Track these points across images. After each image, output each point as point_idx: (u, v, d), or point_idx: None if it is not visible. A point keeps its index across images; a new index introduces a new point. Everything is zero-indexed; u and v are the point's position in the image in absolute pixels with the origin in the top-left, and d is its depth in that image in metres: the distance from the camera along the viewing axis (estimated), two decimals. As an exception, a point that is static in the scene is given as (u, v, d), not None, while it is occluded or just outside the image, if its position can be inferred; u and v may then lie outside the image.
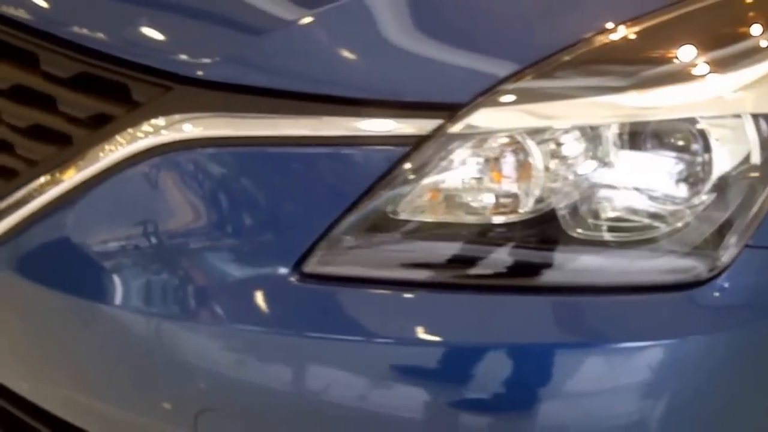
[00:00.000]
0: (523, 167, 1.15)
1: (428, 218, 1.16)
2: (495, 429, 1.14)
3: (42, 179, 1.24)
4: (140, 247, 1.20)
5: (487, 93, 1.13)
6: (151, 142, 1.18)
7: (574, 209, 1.15)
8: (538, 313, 1.15)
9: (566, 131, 1.15)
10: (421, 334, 1.15)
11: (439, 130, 1.13)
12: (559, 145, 1.15)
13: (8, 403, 1.35)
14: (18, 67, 1.24)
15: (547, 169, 1.15)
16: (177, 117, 1.17)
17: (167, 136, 1.17)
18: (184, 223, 1.19)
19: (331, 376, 1.15)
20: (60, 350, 1.27)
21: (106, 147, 1.20)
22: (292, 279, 1.14)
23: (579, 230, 1.16)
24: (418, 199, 1.15)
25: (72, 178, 1.22)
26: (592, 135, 1.14)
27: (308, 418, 1.16)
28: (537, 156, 1.14)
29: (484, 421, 1.14)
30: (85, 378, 1.26)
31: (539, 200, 1.15)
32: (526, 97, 1.13)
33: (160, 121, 1.17)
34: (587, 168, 1.15)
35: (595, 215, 1.16)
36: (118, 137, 1.19)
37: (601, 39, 1.15)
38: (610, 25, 1.15)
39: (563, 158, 1.15)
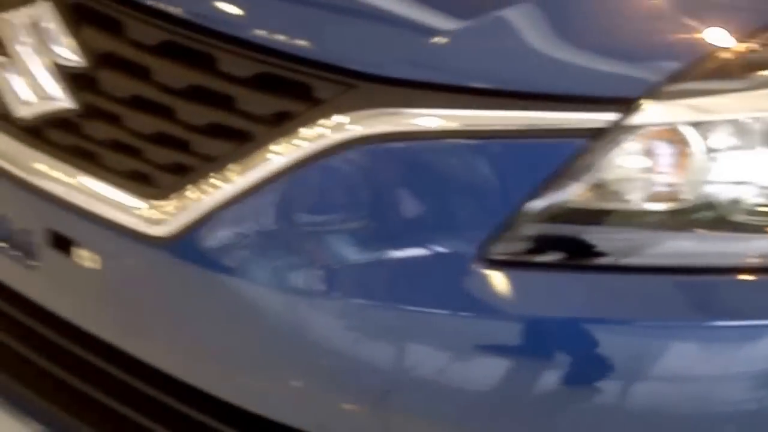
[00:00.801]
0: (686, 158, 1.22)
1: (600, 206, 1.23)
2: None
3: (219, 176, 1.30)
4: (324, 237, 1.26)
5: (656, 88, 1.20)
6: (336, 138, 1.24)
7: (734, 197, 1.22)
8: (705, 296, 1.23)
9: (727, 123, 1.22)
10: (601, 313, 1.22)
11: (612, 123, 1.20)
12: (719, 136, 1.22)
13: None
14: (193, 68, 1.30)
15: (708, 158, 1.22)
16: (361, 113, 1.23)
17: (351, 132, 1.23)
18: (367, 214, 1.25)
19: (517, 360, 1.22)
20: (246, 338, 1.32)
21: (288, 143, 1.26)
22: (476, 266, 1.21)
23: (740, 216, 1.23)
24: (590, 188, 1.22)
25: (251, 173, 1.28)
26: (751, 127, 1.21)
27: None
28: (700, 147, 1.21)
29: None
30: (274, 364, 1.32)
31: (701, 189, 1.22)
32: (691, 92, 1.20)
33: (345, 117, 1.23)
34: (747, 158, 1.23)
35: (755, 203, 1.23)
36: (300, 134, 1.25)
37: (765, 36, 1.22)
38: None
39: (724, 149, 1.22)
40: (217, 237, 1.31)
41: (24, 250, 1.46)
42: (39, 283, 1.47)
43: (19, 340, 1.56)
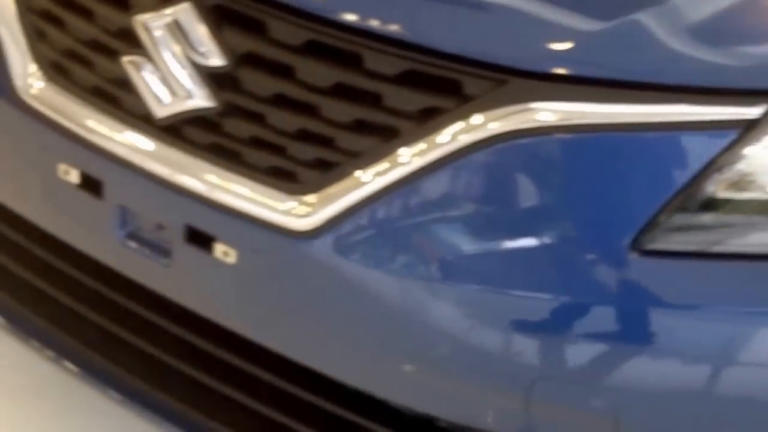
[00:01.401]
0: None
1: (748, 197, 1.26)
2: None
3: (366, 170, 1.33)
4: (477, 230, 1.29)
5: None
6: (486, 133, 1.27)
7: None
8: None
9: None
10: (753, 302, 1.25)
11: (762, 115, 1.23)
12: None
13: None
14: (339, 66, 1.32)
15: None
16: (513, 108, 1.26)
17: (502, 127, 1.27)
18: (519, 208, 1.28)
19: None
20: (389, 331, 1.36)
21: (436, 139, 1.29)
22: (632, 256, 1.24)
23: None
24: (738, 179, 1.25)
25: (396, 169, 1.31)
26: None
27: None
28: None
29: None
30: (422, 356, 1.35)
31: None
32: None
33: (497, 112, 1.26)
34: None
35: None
36: (449, 129, 1.28)
37: None
38: None
39: None
40: (360, 231, 1.34)
41: (158, 248, 1.49)
42: (173, 280, 1.50)
43: (149, 339, 1.59)
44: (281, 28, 1.34)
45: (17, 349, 1.82)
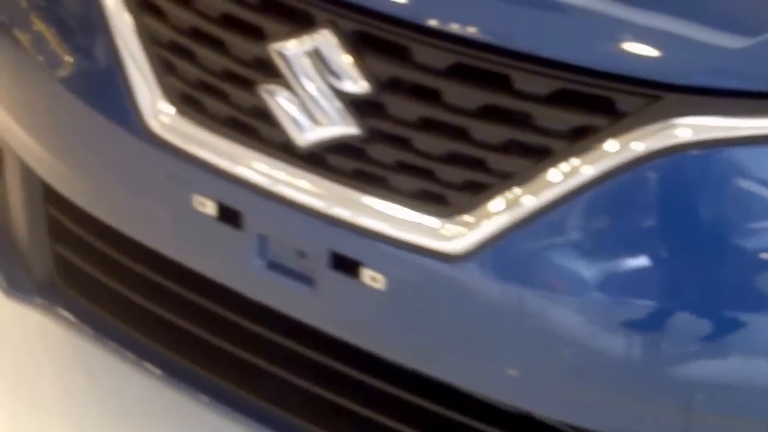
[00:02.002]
0: None
1: None
2: None
3: (518, 191, 1.32)
4: (635, 246, 1.29)
5: None
6: (642, 148, 1.26)
7: None
8: None
9: None
10: None
11: None
12: None
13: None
14: (487, 88, 1.32)
15: None
16: (670, 123, 1.25)
17: (658, 143, 1.26)
18: (682, 221, 1.28)
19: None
20: (547, 349, 1.36)
21: (589, 157, 1.29)
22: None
23: None
24: None
25: (552, 188, 1.31)
26: None
27: None
28: None
29: None
30: (580, 373, 1.35)
31: None
32: None
33: (652, 128, 1.26)
34: None
35: None
36: (603, 147, 1.28)
37: None
38: None
39: None
40: (514, 251, 1.34)
41: (299, 275, 1.49)
42: (315, 307, 1.50)
43: (289, 367, 1.59)
44: (426, 53, 1.33)
45: (139, 378, 1.83)
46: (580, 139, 1.29)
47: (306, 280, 1.49)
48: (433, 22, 1.32)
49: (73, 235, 1.82)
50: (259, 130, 1.45)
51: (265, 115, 1.43)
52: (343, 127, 1.39)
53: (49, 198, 1.82)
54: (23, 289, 1.90)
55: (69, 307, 1.86)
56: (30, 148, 1.70)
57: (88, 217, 1.74)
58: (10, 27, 1.63)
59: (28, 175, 1.82)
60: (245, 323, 1.65)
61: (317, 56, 1.38)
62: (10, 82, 1.67)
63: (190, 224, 1.54)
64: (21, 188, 1.85)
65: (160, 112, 1.51)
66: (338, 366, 1.62)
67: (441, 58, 1.33)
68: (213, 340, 1.71)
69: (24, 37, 1.62)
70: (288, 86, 1.40)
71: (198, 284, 1.68)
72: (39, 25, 1.61)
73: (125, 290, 1.79)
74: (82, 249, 1.82)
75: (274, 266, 1.51)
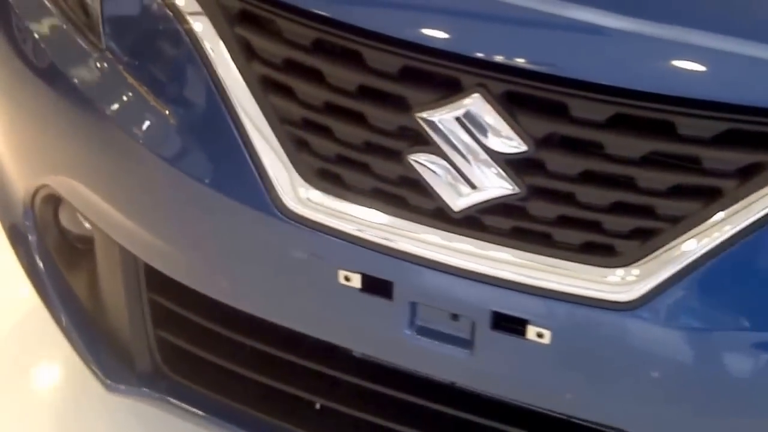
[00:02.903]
0: None
1: None
2: None
3: (689, 234, 1.34)
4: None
5: None
6: None
7: None
8: None
9: None
10: None
11: None
12: None
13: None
14: (651, 135, 1.33)
15: None
16: None
17: None
18: None
19: None
20: (730, 393, 1.37)
21: (762, 193, 1.31)
22: None
23: None
24: None
25: (724, 229, 1.33)
26: None
27: None
28: None
29: None
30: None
31: None
32: None
33: None
34: None
35: None
36: None
37: None
38: None
39: None
40: (689, 296, 1.36)
41: (455, 339, 1.49)
42: (473, 368, 1.50)
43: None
44: (583, 106, 1.34)
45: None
46: (751, 177, 1.31)
47: (461, 342, 1.49)
48: (589, 77, 1.33)
49: (180, 320, 1.79)
50: (408, 199, 1.45)
51: (414, 183, 1.43)
52: (501, 188, 1.39)
53: (152, 285, 1.79)
54: (125, 380, 1.87)
55: (177, 394, 1.83)
56: (139, 237, 1.68)
57: (198, 300, 1.72)
58: (120, 113, 1.61)
59: (127, 263, 1.79)
60: (384, 390, 1.64)
61: (469, 120, 1.38)
62: (116, 172, 1.65)
63: (333, 299, 1.53)
64: (119, 277, 1.83)
65: (296, 191, 1.50)
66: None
67: (600, 111, 1.34)
68: (336, 407, 1.70)
69: (137, 124, 1.60)
70: (439, 153, 1.40)
71: (321, 356, 1.67)
72: (155, 113, 1.59)
73: (239, 368, 1.77)
74: (191, 333, 1.80)
75: (425, 332, 1.51)
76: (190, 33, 1.53)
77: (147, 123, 1.60)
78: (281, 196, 1.50)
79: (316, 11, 1.44)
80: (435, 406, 1.68)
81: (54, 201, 1.91)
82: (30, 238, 1.94)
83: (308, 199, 1.49)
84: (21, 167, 1.91)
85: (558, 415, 1.59)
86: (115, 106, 1.62)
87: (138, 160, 1.60)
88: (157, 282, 1.76)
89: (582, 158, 1.36)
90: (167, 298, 1.78)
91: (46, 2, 1.74)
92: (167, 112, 1.57)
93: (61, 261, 1.97)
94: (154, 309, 1.81)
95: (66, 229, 1.99)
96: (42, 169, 1.83)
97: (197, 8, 1.52)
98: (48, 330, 2.02)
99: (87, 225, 1.95)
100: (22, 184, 1.91)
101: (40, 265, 1.96)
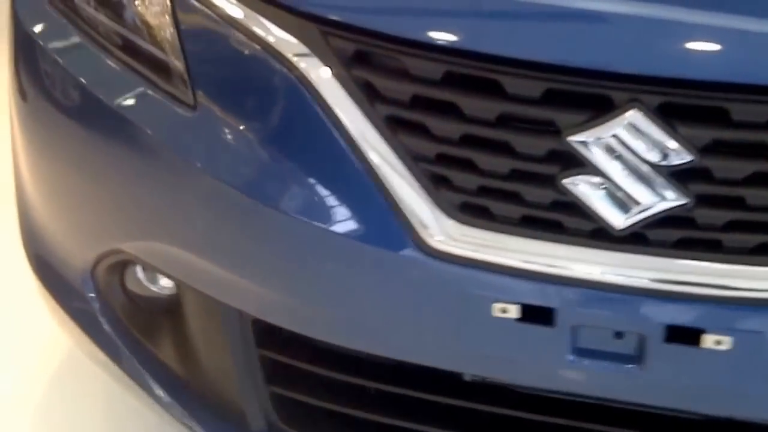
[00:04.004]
0: None
1: None
2: None
3: None
4: None
5: None
6: None
7: None
8: None
9: None
10: None
11: None
12: None
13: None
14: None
15: None
16: None
17: None
18: None
19: None
20: None
21: None
22: None
23: None
24: None
25: None
26: None
27: None
28: None
29: None
30: None
31: None
32: None
33: None
34: None
35: None
36: None
37: None
38: None
39: None
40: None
41: (622, 356, 1.47)
42: (643, 384, 1.48)
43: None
44: (746, 109, 1.33)
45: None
46: None
47: (628, 359, 1.46)
48: (751, 80, 1.30)
49: (296, 373, 1.73)
50: (564, 223, 1.42)
51: (569, 206, 1.40)
52: (667, 200, 1.37)
53: (262, 341, 1.73)
54: (237, 440, 1.81)
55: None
56: (252, 293, 1.61)
57: (314, 350, 1.67)
58: (227, 170, 1.54)
59: (231, 321, 1.73)
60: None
61: (626, 136, 1.35)
62: (227, 231, 1.58)
63: (487, 333, 1.49)
64: (221, 336, 1.76)
65: (440, 227, 1.45)
66: None
67: (763, 112, 1.32)
68: None
69: (247, 180, 1.54)
70: (596, 172, 1.37)
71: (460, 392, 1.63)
72: (265, 165, 1.53)
73: (362, 412, 1.72)
74: (308, 385, 1.74)
75: (587, 353, 1.48)
76: (301, 78, 1.47)
77: (259, 177, 1.54)
78: (423, 235, 1.46)
79: (444, 44, 1.39)
80: (568, 422, 1.65)
81: (120, 266, 1.82)
82: (94, 307, 1.85)
83: (454, 234, 1.45)
84: (80, 237, 1.82)
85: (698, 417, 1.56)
86: (221, 164, 1.55)
87: (255, 216, 1.54)
88: (269, 337, 1.70)
89: (749, 161, 1.34)
90: (280, 352, 1.72)
91: (117, 66, 1.66)
92: (280, 162, 1.51)
93: (135, 327, 1.89)
94: (266, 365, 1.75)
95: (133, 293, 1.91)
96: (112, 237, 1.75)
97: (304, 50, 1.46)
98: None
99: (153, 287, 1.88)
100: (79, 254, 1.82)
101: (112, 334, 1.88)
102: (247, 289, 1.61)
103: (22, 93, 1.80)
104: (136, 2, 1.66)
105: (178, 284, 1.80)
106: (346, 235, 1.49)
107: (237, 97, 1.55)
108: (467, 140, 1.42)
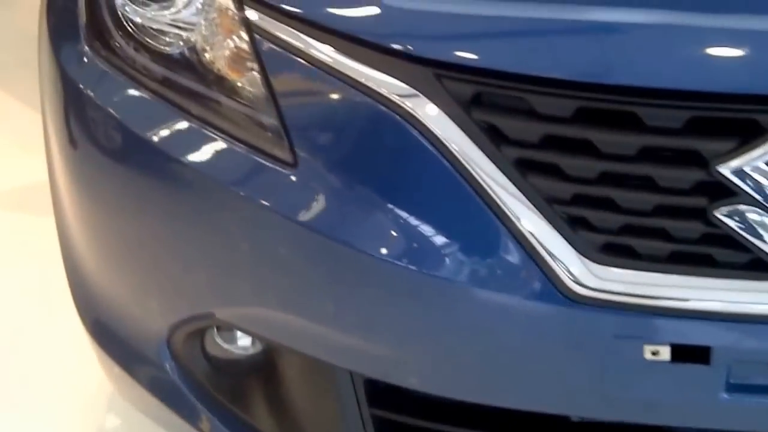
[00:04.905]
0: None
1: None
2: None
3: None
4: None
5: None
6: None
7: None
8: None
9: None
10: None
11: None
12: None
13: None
14: None
15: None
16: None
17: None
18: None
19: None
20: None
21: None
22: None
23: None
24: None
25: None
26: None
27: None
28: None
29: None
30: None
31: None
32: None
33: None
34: None
35: None
36: None
37: None
38: None
39: None
40: None
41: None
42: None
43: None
44: None
45: None
46: None
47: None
48: None
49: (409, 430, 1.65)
50: (716, 256, 1.35)
51: (721, 238, 1.33)
52: None
53: (377, 401, 1.64)
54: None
55: None
56: (369, 354, 1.53)
57: (429, 406, 1.58)
58: (338, 228, 1.46)
59: (340, 382, 1.65)
60: None
61: (779, 159, 1.28)
62: (348, 291, 1.50)
63: (635, 377, 1.42)
64: (327, 397, 1.68)
65: (581, 271, 1.38)
66: None
67: None
68: None
69: (361, 236, 1.45)
70: (751, 201, 1.31)
71: None
72: (381, 218, 1.45)
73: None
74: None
75: (743, 389, 1.42)
76: (416, 124, 1.39)
77: (377, 231, 1.45)
78: (564, 280, 1.38)
79: (575, 80, 1.31)
80: None
81: (201, 331, 1.73)
82: (172, 375, 1.76)
83: (597, 276, 1.38)
84: (155, 303, 1.73)
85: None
86: (335, 221, 1.47)
87: (379, 275, 1.46)
88: (383, 396, 1.62)
89: None
90: (395, 411, 1.63)
91: (192, 122, 1.57)
92: (400, 214, 1.43)
93: (220, 391, 1.80)
94: (378, 424, 1.66)
95: (213, 356, 1.82)
96: (195, 303, 1.66)
97: (418, 95, 1.39)
98: None
99: (232, 348, 1.78)
100: (152, 321, 1.73)
101: (196, 402, 1.78)
102: (368, 350, 1.53)
103: (74, 144, 1.69)
104: (208, 55, 1.56)
105: (270, 345, 1.71)
106: (479, 288, 1.42)
107: (343, 150, 1.47)
108: (605, 178, 1.35)
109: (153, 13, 1.60)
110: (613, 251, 1.37)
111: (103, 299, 1.82)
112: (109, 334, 1.85)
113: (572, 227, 1.37)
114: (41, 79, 1.79)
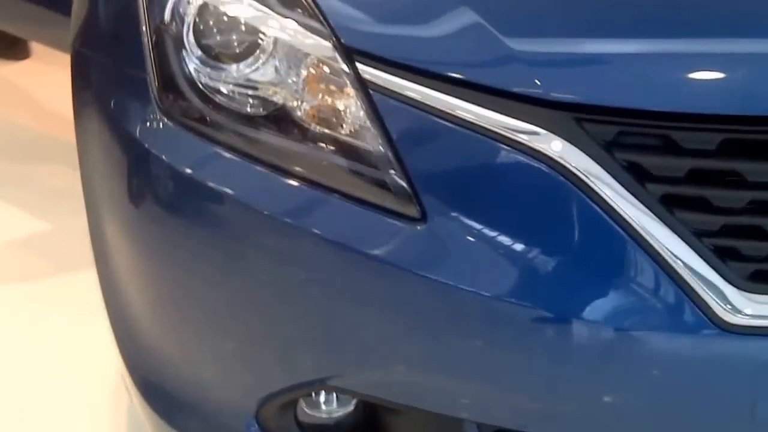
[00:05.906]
0: None
1: None
2: None
3: None
4: None
5: None
6: None
7: None
8: None
9: None
10: None
11: None
12: None
13: None
14: None
15: None
16: None
17: None
18: None
19: None
20: None
21: None
22: None
23: None
24: None
25: None
26: None
27: None
28: None
29: None
30: None
31: None
32: None
33: None
34: None
35: None
36: None
37: None
38: None
39: None
40: None
41: None
42: None
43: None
44: None
45: None
46: None
47: None
48: None
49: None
50: None
51: None
52: None
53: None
54: None
55: None
56: (521, 408, 1.53)
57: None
58: (488, 278, 1.45)
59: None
60: None
61: None
62: (490, 347, 1.49)
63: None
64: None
65: (736, 301, 1.39)
66: None
67: None
68: None
69: (511, 289, 1.45)
70: None
71: None
72: (523, 267, 1.45)
73: None
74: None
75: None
76: (556, 167, 1.41)
77: (521, 280, 1.45)
78: (716, 310, 1.39)
79: (721, 113, 1.34)
80: None
81: (295, 401, 1.70)
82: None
83: (749, 304, 1.39)
84: (243, 375, 1.67)
85: None
86: (474, 275, 1.46)
87: (525, 327, 1.45)
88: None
89: None
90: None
91: (296, 183, 1.54)
92: (545, 261, 1.43)
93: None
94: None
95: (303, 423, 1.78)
96: (301, 371, 1.61)
97: (556, 140, 1.40)
98: None
99: (318, 414, 1.74)
100: (237, 394, 1.68)
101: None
102: (516, 404, 1.51)
103: (151, 214, 1.64)
104: (304, 113, 1.54)
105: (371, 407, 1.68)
106: (633, 329, 1.42)
107: (479, 201, 1.46)
108: (754, 207, 1.37)
109: (231, 75, 1.57)
110: (763, 279, 1.39)
111: (165, 367, 1.75)
112: (173, 407, 1.78)
113: (721, 257, 1.39)
114: (87, 155, 1.75)
